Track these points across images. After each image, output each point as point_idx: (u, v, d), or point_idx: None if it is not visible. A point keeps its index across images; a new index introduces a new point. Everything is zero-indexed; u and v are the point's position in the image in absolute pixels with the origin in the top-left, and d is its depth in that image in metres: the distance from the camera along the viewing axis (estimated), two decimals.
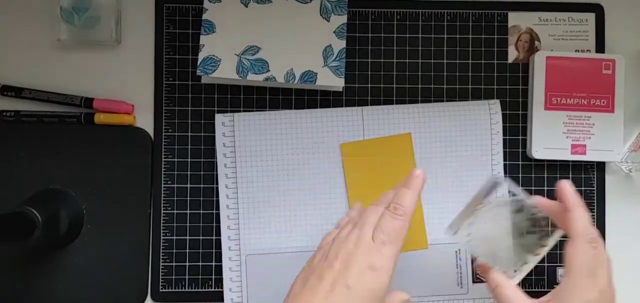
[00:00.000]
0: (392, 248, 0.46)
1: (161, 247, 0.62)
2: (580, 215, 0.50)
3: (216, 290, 0.62)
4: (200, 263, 0.62)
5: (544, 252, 0.53)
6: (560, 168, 0.64)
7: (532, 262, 0.52)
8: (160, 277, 0.62)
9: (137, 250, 0.62)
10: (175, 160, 0.62)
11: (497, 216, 0.53)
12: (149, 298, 0.62)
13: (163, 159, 0.62)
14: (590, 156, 0.62)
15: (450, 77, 0.64)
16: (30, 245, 0.54)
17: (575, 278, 0.47)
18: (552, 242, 0.53)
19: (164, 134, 0.63)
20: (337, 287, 0.44)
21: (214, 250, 0.62)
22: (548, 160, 0.64)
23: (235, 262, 0.61)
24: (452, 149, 0.62)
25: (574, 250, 0.48)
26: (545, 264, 0.63)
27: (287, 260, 0.61)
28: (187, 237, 0.62)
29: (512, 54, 0.64)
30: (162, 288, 0.62)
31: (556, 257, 0.63)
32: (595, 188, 0.64)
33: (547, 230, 0.53)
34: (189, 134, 0.63)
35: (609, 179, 0.64)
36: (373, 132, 0.62)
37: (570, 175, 0.64)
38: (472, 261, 0.62)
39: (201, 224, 0.62)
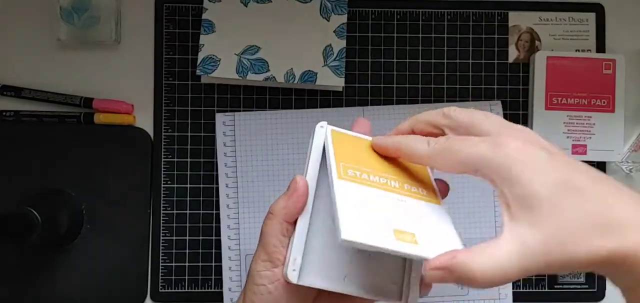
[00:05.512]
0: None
1: (161, 247, 0.62)
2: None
3: (216, 290, 0.62)
4: (200, 264, 0.62)
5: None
6: None
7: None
8: (160, 277, 0.62)
9: (137, 250, 0.62)
10: (175, 160, 0.62)
11: None
12: (148, 298, 0.62)
13: (163, 159, 0.62)
14: (590, 156, 0.62)
15: (451, 77, 0.64)
16: (30, 245, 0.54)
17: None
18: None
19: (163, 134, 0.62)
20: None
21: (214, 250, 0.62)
22: None
23: (235, 261, 0.61)
24: None
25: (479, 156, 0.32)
26: None
27: None
28: (187, 237, 0.62)
29: (513, 54, 0.64)
30: (162, 289, 0.62)
31: None
32: None
33: None
34: (189, 133, 0.63)
35: None
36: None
37: None
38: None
39: (201, 224, 0.62)
